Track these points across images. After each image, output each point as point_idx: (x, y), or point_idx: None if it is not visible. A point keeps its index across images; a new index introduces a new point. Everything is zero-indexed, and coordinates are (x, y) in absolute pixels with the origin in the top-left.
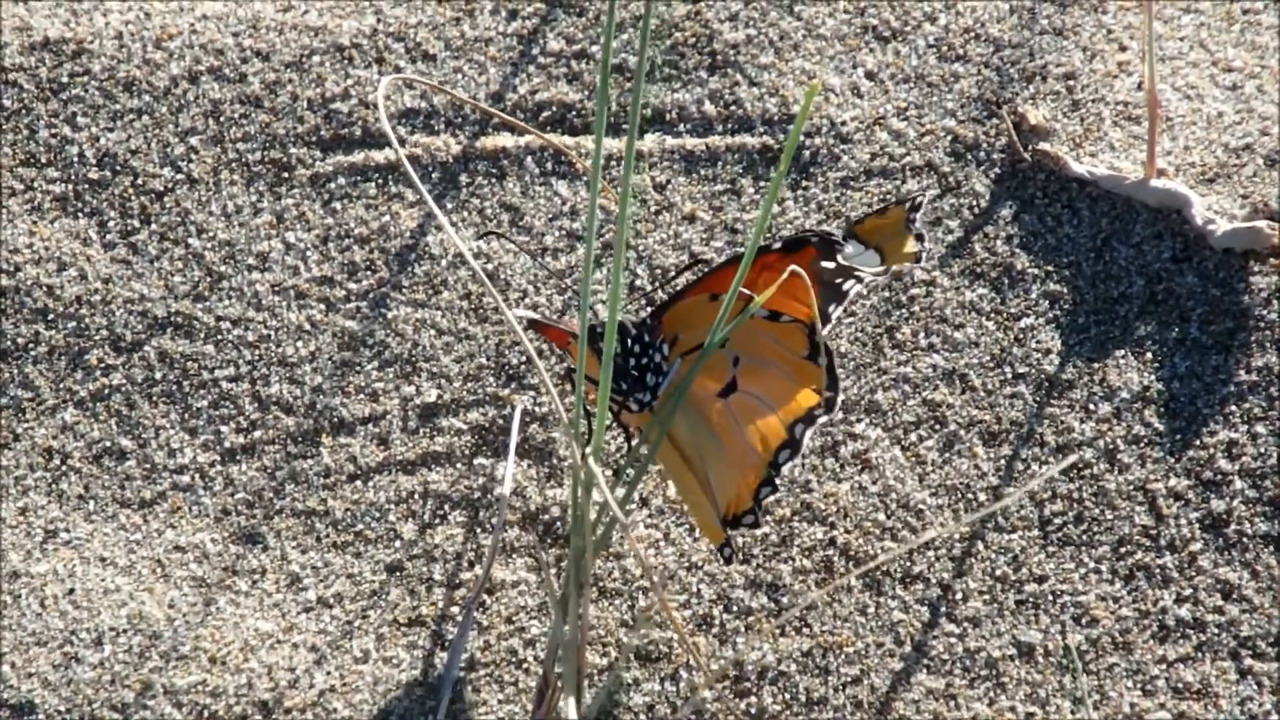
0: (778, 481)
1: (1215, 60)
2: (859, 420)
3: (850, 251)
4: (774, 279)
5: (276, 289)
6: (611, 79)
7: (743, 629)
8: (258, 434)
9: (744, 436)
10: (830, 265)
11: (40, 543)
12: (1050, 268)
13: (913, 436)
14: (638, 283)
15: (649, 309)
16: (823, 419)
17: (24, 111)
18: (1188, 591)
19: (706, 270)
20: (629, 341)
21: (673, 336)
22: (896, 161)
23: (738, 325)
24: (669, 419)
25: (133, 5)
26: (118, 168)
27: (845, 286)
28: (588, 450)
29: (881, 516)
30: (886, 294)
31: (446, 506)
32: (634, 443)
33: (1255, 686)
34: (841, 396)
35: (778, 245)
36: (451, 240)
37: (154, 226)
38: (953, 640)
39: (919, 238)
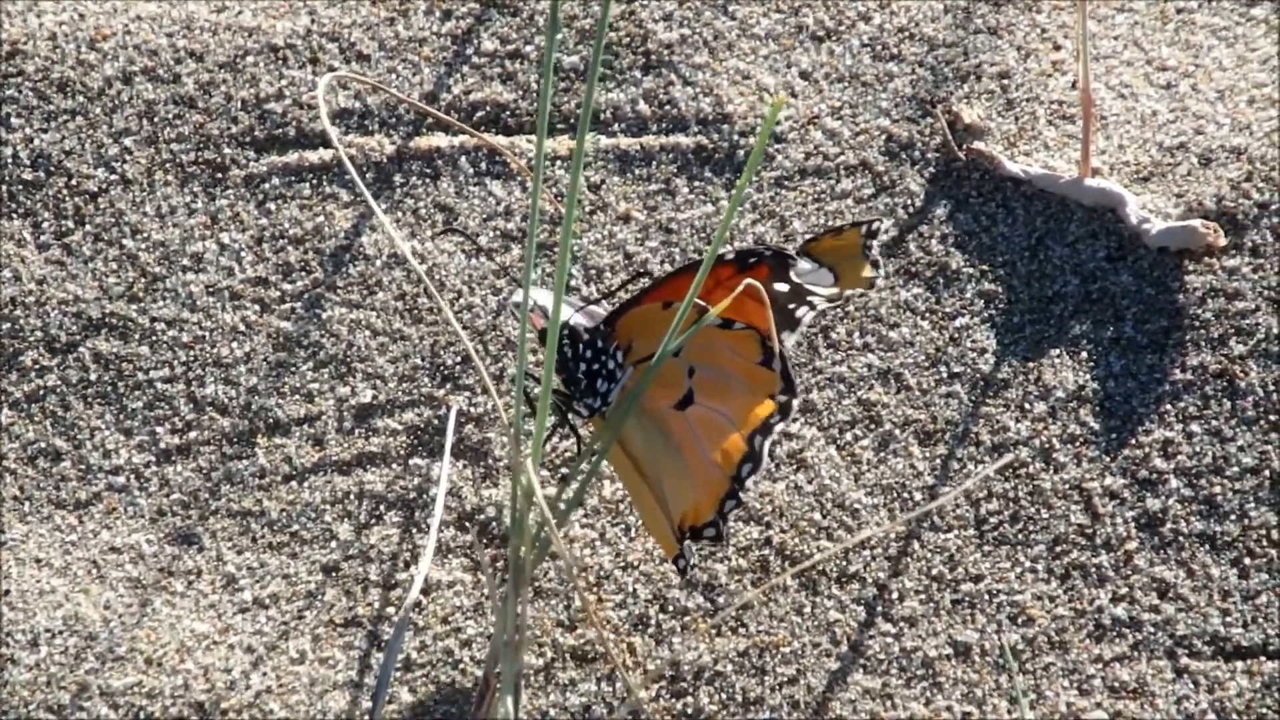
0: (743, 496)
1: (1149, 59)
2: (794, 419)
3: (804, 268)
4: (726, 292)
5: (211, 290)
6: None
7: (679, 629)
8: (193, 435)
9: (704, 451)
10: (784, 288)
11: None
12: (985, 267)
13: (848, 436)
14: (572, 284)
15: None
16: (779, 426)
17: None
18: (1124, 590)
19: (660, 277)
20: (580, 346)
21: (627, 344)
22: (831, 161)
23: (691, 336)
24: (619, 427)
25: (67, 6)
26: (52, 169)
27: (799, 313)
28: (526, 453)
29: (817, 516)
30: None
31: (382, 507)
32: (583, 449)
33: (1191, 686)
34: (798, 401)
35: (730, 256)
36: (390, 239)
37: (88, 227)
38: (889, 640)
39: (875, 264)
